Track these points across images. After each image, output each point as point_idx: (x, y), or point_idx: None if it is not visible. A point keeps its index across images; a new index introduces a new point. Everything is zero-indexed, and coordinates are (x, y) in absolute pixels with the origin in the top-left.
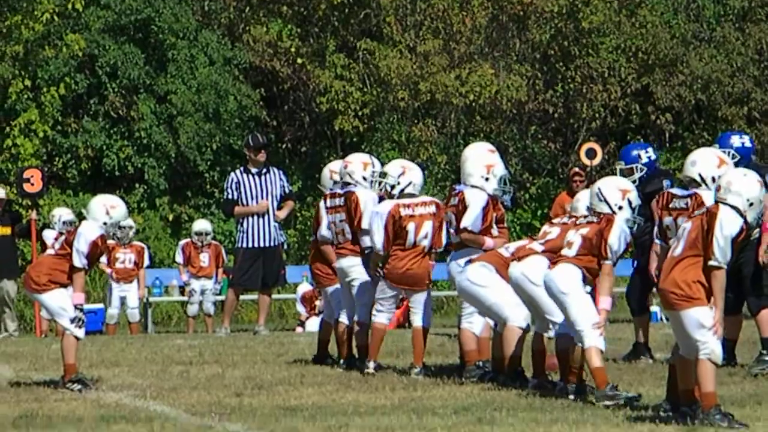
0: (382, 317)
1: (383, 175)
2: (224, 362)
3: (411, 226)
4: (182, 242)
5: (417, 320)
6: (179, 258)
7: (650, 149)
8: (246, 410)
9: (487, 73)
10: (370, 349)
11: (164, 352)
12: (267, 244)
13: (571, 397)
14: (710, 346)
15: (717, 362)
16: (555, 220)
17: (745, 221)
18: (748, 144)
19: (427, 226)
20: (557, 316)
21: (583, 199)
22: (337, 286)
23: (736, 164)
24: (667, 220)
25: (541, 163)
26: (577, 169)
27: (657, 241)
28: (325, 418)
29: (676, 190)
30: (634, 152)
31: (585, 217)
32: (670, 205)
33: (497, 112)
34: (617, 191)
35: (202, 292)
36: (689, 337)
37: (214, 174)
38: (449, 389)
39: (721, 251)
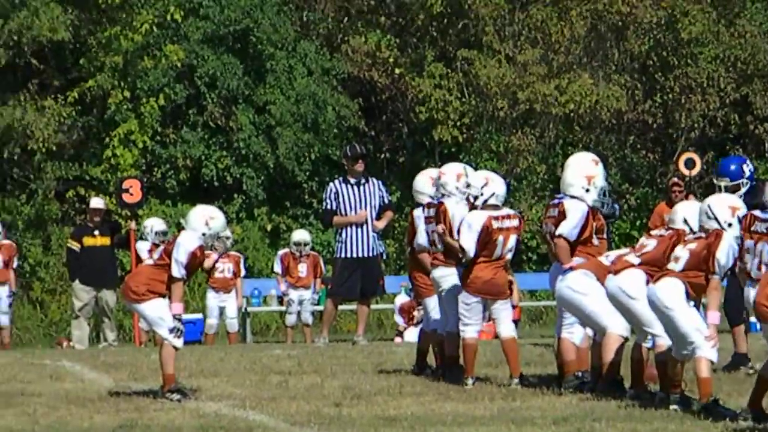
0: (471, 331)
1: (467, 185)
2: (323, 372)
3: (500, 239)
4: (281, 252)
5: (505, 330)
6: (277, 268)
7: (748, 163)
8: (345, 420)
9: (586, 83)
10: (465, 365)
11: (263, 361)
12: (366, 254)
13: (673, 407)
14: None
15: None
16: (653, 232)
17: None
18: None
19: (513, 240)
20: (656, 328)
21: (680, 211)
22: (435, 296)
23: None
24: (748, 243)
25: (639, 173)
26: (676, 179)
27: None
28: (424, 428)
29: (758, 213)
30: (736, 166)
31: (693, 233)
32: (752, 228)
33: (596, 121)
34: (727, 209)
35: (300, 302)
36: None
37: (312, 184)
38: (548, 399)
39: None
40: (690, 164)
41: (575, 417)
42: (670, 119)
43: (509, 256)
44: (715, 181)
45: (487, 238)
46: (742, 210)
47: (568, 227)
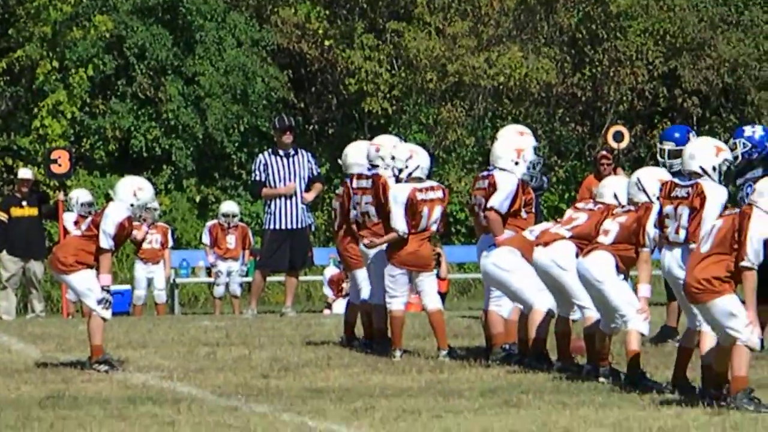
0: (397, 303)
1: (392, 158)
2: (251, 344)
3: (425, 211)
4: (209, 224)
5: (430, 303)
6: (206, 239)
7: (693, 132)
8: (272, 392)
9: (516, 56)
10: (393, 338)
11: (191, 333)
12: (294, 226)
13: (601, 379)
14: (745, 332)
15: (755, 348)
16: (580, 205)
17: None
18: (760, 132)
19: (437, 212)
20: (584, 300)
21: (609, 185)
22: (364, 268)
23: (749, 153)
24: (668, 208)
25: (568, 146)
26: (604, 152)
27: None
28: (352, 400)
29: (678, 180)
30: (682, 134)
31: (622, 206)
32: (672, 194)
33: (525, 94)
34: (656, 182)
35: (229, 274)
36: (722, 327)
37: (241, 156)
38: (476, 372)
39: (755, 253)
40: (618, 137)
41: (503, 389)
42: (599, 92)
43: (434, 227)
44: (659, 145)
45: (412, 210)
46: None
47: (499, 200)
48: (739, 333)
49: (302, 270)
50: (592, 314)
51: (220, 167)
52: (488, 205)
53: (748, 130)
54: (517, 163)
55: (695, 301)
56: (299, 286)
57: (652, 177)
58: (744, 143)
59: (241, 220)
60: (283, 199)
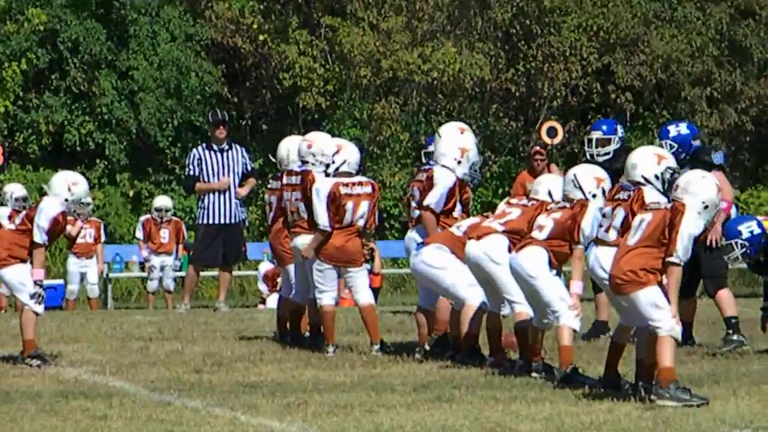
0: (327, 298)
1: (322, 154)
2: (184, 338)
3: (349, 205)
4: (142, 218)
5: (361, 298)
6: (139, 234)
7: (621, 126)
8: (205, 386)
9: (450, 52)
10: (325, 333)
11: (124, 328)
12: (228, 221)
13: (533, 375)
14: (669, 323)
15: (677, 338)
16: (513, 201)
17: None
18: (685, 131)
19: (364, 207)
20: (516, 296)
21: (543, 182)
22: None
23: (677, 153)
24: (607, 209)
25: (502, 142)
26: (538, 148)
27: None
28: (285, 395)
29: (625, 184)
30: (609, 126)
31: (557, 203)
32: (616, 196)
33: (459, 90)
34: (593, 179)
35: (162, 269)
36: (646, 318)
37: (175, 150)
38: (409, 367)
39: (684, 249)
40: (552, 133)
41: (435, 384)
42: (533, 88)
43: (361, 222)
44: (587, 136)
45: (335, 204)
46: (607, 182)
47: (435, 198)
48: (661, 324)
49: (235, 265)
50: (524, 309)
51: (153, 162)
52: (424, 203)
53: (672, 130)
54: (459, 162)
55: (620, 292)
56: (233, 281)
57: (589, 174)
58: (670, 144)
59: (175, 214)
60: (216, 194)
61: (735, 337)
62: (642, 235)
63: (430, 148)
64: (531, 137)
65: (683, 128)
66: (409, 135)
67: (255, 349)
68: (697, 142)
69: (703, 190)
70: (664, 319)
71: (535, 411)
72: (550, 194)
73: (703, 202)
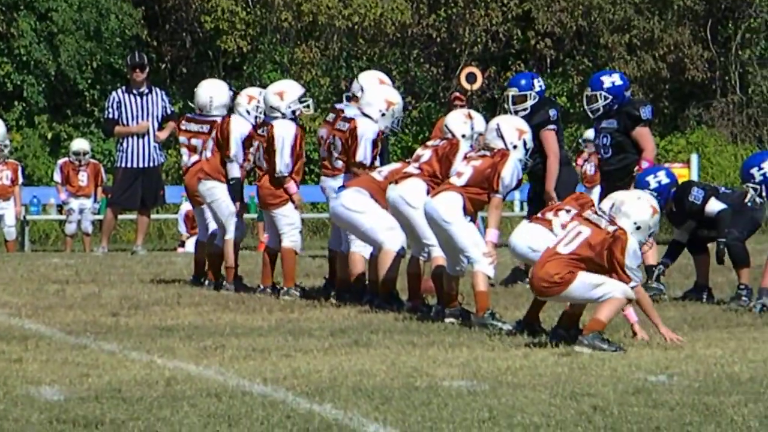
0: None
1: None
2: (101, 282)
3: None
4: (61, 161)
5: (283, 241)
6: (57, 177)
7: (540, 79)
8: (122, 330)
9: None
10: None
11: (40, 270)
12: (147, 165)
13: (450, 320)
14: (618, 288)
15: (631, 297)
16: (429, 143)
17: None
18: (618, 81)
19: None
20: (431, 239)
21: (454, 118)
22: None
23: (611, 104)
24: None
25: (423, 87)
26: (457, 94)
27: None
28: (202, 339)
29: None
30: (527, 81)
31: (478, 150)
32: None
33: (380, 35)
34: (515, 130)
35: (81, 211)
36: (591, 300)
37: (94, 93)
38: (326, 311)
39: (636, 273)
40: (471, 78)
41: (353, 329)
42: (454, 33)
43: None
44: (504, 92)
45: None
46: (528, 134)
47: (362, 153)
48: (612, 293)
49: (154, 208)
50: (440, 254)
51: (72, 104)
52: (356, 160)
53: (606, 81)
54: (383, 115)
55: (543, 295)
56: (151, 225)
57: (512, 125)
58: (605, 96)
59: (93, 157)
60: (135, 137)
61: (654, 285)
62: (578, 247)
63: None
64: (451, 83)
65: (617, 79)
66: (330, 80)
67: (172, 293)
68: (627, 93)
69: (635, 211)
70: (612, 290)
71: (451, 356)
72: (447, 128)
73: (635, 223)
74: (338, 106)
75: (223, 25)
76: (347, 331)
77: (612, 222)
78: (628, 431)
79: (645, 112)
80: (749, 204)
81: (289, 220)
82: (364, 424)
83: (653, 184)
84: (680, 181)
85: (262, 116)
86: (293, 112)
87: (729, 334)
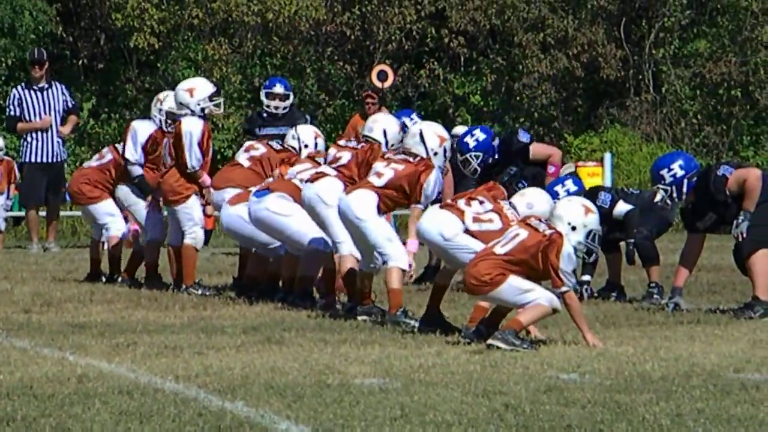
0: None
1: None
2: (13, 278)
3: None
4: None
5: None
6: None
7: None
8: (34, 327)
9: None
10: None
11: None
12: (51, 160)
13: (362, 318)
14: (545, 297)
15: (557, 309)
16: (341, 143)
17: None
18: (482, 136)
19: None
20: (341, 237)
21: (379, 121)
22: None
23: (484, 160)
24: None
25: (336, 85)
26: (369, 92)
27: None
28: (114, 336)
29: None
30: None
31: (398, 152)
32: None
33: (294, 32)
34: (436, 137)
35: None
36: (518, 304)
37: (8, 89)
38: (239, 309)
39: (567, 276)
40: (383, 76)
41: (265, 326)
42: (368, 31)
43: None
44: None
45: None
46: (448, 141)
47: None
48: (537, 300)
49: (59, 204)
50: (349, 252)
51: None
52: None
53: (470, 141)
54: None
55: (475, 293)
56: (64, 222)
57: (434, 132)
58: (475, 156)
59: (7, 154)
60: (39, 132)
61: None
62: (515, 249)
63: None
64: (365, 81)
65: (479, 134)
66: (243, 77)
67: (85, 290)
68: (496, 141)
69: (566, 212)
70: (539, 297)
71: (364, 354)
72: (384, 134)
73: (569, 224)
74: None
75: (134, 22)
76: (260, 328)
77: (550, 226)
78: (539, 429)
79: (524, 137)
80: (659, 204)
81: (190, 216)
82: (276, 421)
83: (561, 194)
84: (589, 186)
85: (164, 117)
86: (202, 110)
87: (641, 333)
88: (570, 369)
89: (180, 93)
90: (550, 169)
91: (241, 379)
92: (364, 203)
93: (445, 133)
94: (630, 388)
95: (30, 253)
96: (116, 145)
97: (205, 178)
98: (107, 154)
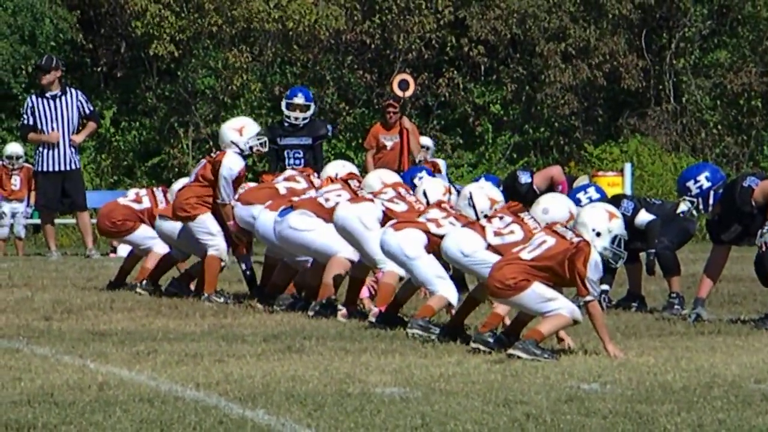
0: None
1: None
2: (34, 286)
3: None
4: None
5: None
6: None
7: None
8: (54, 334)
9: (306, 2)
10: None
11: None
12: (65, 168)
13: (414, 332)
14: (567, 307)
15: (578, 320)
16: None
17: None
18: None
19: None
20: (380, 254)
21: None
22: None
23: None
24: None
25: (356, 94)
26: (390, 101)
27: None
28: (135, 344)
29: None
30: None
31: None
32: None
33: (314, 41)
34: (487, 200)
35: (13, 215)
36: (540, 312)
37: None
38: (259, 317)
39: (593, 285)
40: (404, 86)
41: (286, 335)
42: (388, 40)
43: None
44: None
45: None
46: (501, 203)
47: None
48: (560, 310)
49: (74, 212)
50: (393, 268)
51: (6, 108)
52: None
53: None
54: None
55: (499, 296)
56: (78, 230)
57: (484, 195)
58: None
59: (27, 161)
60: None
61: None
62: (541, 255)
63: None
64: (385, 90)
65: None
66: (263, 85)
67: (105, 297)
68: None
69: (590, 219)
70: (561, 307)
71: (384, 363)
72: (425, 194)
73: (594, 230)
74: None
75: (153, 30)
76: (280, 336)
77: (577, 234)
78: None
79: (524, 178)
80: (681, 214)
81: (205, 229)
82: (297, 430)
83: (584, 201)
84: (612, 193)
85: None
86: (251, 148)
87: (662, 343)
88: (591, 379)
89: (229, 132)
90: (558, 189)
91: (262, 388)
92: (413, 241)
93: (498, 195)
94: (651, 399)
95: (50, 260)
96: (154, 190)
97: (230, 218)
98: (144, 199)
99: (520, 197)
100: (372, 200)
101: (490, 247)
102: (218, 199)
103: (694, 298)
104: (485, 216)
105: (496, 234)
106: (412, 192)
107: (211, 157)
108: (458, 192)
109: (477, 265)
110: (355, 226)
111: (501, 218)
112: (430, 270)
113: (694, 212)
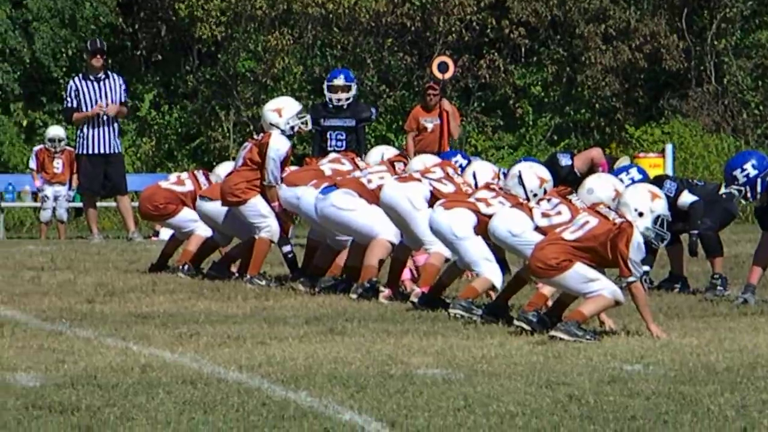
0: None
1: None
2: (76, 269)
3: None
4: (36, 148)
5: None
6: (33, 164)
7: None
8: (97, 317)
9: None
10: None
11: (16, 257)
12: (108, 151)
13: (456, 312)
14: (609, 288)
15: (620, 301)
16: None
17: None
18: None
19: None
20: (429, 236)
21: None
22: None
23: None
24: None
25: (397, 76)
26: (431, 83)
27: None
28: (177, 326)
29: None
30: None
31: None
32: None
33: (354, 23)
34: (536, 178)
35: (55, 198)
36: (581, 292)
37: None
38: (301, 299)
39: (636, 266)
40: (443, 68)
41: (327, 317)
42: (428, 22)
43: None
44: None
45: None
46: (550, 183)
47: None
48: (602, 291)
49: (113, 195)
50: (440, 249)
51: (47, 92)
52: None
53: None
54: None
55: (541, 276)
56: (118, 214)
57: (533, 174)
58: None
59: (69, 144)
60: (94, 125)
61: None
62: (584, 236)
63: None
64: (425, 72)
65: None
66: (303, 68)
67: (147, 280)
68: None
69: (632, 198)
70: (603, 287)
71: (426, 344)
72: (474, 176)
73: (636, 209)
74: None
75: (198, 12)
76: (322, 318)
77: (620, 215)
78: (603, 420)
79: (565, 160)
80: (724, 196)
81: (257, 212)
82: (339, 411)
83: (626, 181)
84: (653, 174)
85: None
86: (292, 128)
87: (705, 324)
88: (634, 360)
89: (268, 114)
90: (599, 170)
91: (304, 369)
92: (463, 221)
93: (547, 174)
94: (694, 380)
95: (92, 243)
96: (196, 172)
97: (275, 200)
98: (186, 182)
99: (560, 180)
100: (420, 180)
101: (537, 228)
102: (264, 181)
103: (744, 284)
104: (534, 195)
105: (544, 215)
106: (460, 173)
107: (256, 139)
108: (505, 175)
109: (524, 245)
110: (404, 206)
111: (549, 200)
112: (477, 251)
113: (742, 200)
